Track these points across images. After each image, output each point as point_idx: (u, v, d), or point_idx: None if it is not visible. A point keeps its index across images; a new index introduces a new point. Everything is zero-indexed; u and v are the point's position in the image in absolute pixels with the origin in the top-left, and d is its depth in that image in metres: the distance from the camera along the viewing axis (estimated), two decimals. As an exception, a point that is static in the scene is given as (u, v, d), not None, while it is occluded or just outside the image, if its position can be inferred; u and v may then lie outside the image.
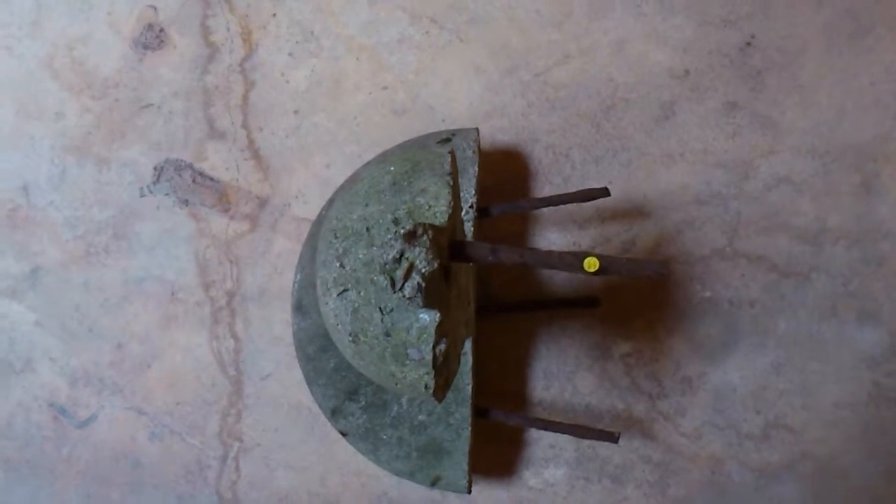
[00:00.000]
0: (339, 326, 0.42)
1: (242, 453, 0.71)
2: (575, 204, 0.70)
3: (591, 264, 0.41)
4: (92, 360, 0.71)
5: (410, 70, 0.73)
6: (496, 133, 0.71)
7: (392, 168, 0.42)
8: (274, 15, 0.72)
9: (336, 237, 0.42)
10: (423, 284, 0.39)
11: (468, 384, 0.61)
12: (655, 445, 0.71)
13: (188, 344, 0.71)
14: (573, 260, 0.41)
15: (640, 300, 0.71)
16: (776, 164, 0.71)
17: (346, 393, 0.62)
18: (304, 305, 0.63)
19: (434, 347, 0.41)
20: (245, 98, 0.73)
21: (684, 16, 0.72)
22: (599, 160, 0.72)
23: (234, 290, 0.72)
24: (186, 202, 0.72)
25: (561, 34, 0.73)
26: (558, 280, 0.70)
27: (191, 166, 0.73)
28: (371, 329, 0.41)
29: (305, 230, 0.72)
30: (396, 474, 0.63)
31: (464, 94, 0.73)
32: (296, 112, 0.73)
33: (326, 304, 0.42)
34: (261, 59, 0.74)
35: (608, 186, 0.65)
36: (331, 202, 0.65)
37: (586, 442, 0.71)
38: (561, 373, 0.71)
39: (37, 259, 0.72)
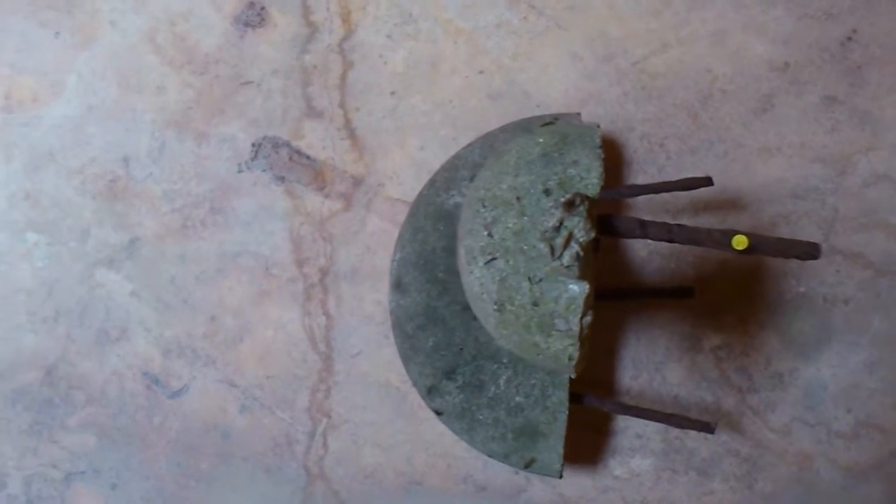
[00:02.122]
0: (484, 295, 0.42)
1: (330, 429, 0.71)
2: (669, 194, 0.70)
3: (740, 242, 0.40)
4: (185, 332, 0.73)
5: (507, 55, 0.73)
6: (591, 120, 0.71)
7: (541, 140, 0.42)
8: (374, -4, 0.73)
9: (484, 206, 0.42)
10: (582, 253, 0.39)
11: (567, 368, 0.61)
12: (744, 440, 0.70)
13: (280, 319, 0.72)
14: (721, 237, 0.41)
15: (733, 293, 0.71)
16: (875, 161, 0.70)
17: (443, 372, 0.62)
18: (403, 283, 0.64)
19: (581, 319, 0.41)
20: (343, 78, 0.74)
21: (785, 8, 0.71)
22: (695, 151, 0.71)
23: (327, 268, 0.72)
24: (283, 179, 0.73)
25: (659, 23, 0.73)
26: (649, 269, 0.70)
27: (288, 144, 0.74)
28: (518, 298, 0.42)
29: (399, 211, 0.72)
30: (490, 455, 0.63)
31: (560, 81, 0.73)
32: (392, 93, 0.74)
33: (471, 272, 0.43)
34: (359, 39, 0.74)
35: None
36: (432, 182, 0.65)
37: (674, 433, 0.70)
38: (650, 363, 0.71)
39: (135, 230, 0.74)
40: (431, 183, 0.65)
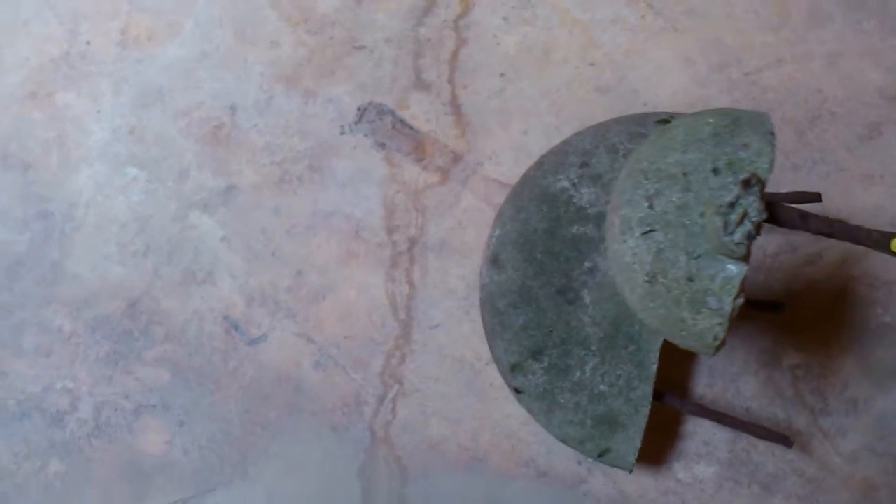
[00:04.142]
0: (636, 265, 0.43)
1: (401, 396, 0.72)
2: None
3: (900, 245, 0.41)
4: (270, 283, 0.74)
5: (620, 50, 0.74)
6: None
7: (711, 120, 0.43)
8: (496, -23, 0.74)
9: (647, 178, 0.43)
10: (754, 232, 0.40)
11: (654, 363, 0.61)
12: (810, 461, 0.70)
13: (364, 282, 0.73)
14: (880, 238, 0.41)
15: (818, 314, 0.71)
16: (977, 201, 0.70)
17: (530, 351, 0.63)
18: (500, 260, 0.64)
19: (734, 300, 0.41)
20: (455, 54, 0.75)
21: (905, 38, 0.71)
22: (798, 168, 0.71)
23: (417, 238, 0.73)
24: (383, 146, 0.74)
25: (776, 38, 0.73)
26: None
27: (392, 112, 0.75)
28: (673, 272, 0.42)
29: (494, 191, 0.73)
30: (563, 439, 0.63)
31: (670, 83, 0.73)
32: (502, 75, 0.74)
33: (625, 241, 0.43)
34: (475, 18, 0.75)
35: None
36: (539, 164, 0.66)
37: (740, 444, 0.70)
38: (726, 372, 0.71)
39: (232, 178, 0.75)
40: (539, 165, 0.66)
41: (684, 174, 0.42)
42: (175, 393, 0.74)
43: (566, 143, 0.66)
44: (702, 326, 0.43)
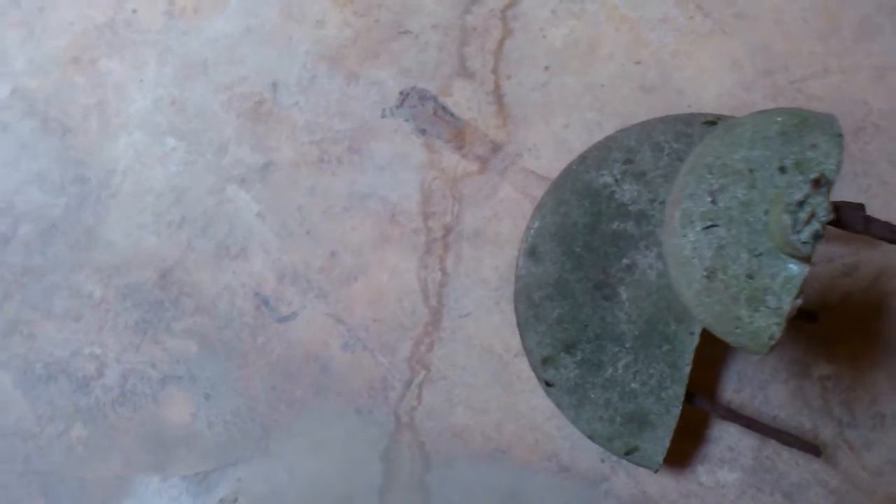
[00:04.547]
0: (695, 260, 0.43)
1: (427, 382, 0.72)
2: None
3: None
4: (303, 261, 0.74)
5: (667, 50, 0.74)
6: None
7: (779, 118, 0.43)
8: (547, -31, 0.74)
9: (711, 173, 0.43)
10: (821, 232, 0.40)
11: (687, 364, 0.61)
12: (835, 472, 0.70)
13: (397, 267, 0.73)
14: None
15: (852, 326, 0.70)
16: None
17: (563, 345, 0.63)
18: (538, 252, 0.64)
19: (794, 300, 0.41)
20: (500, 44, 0.75)
21: (955, 55, 0.71)
22: (839, 179, 0.71)
23: (452, 226, 0.73)
24: (424, 132, 0.74)
25: (824, 47, 0.73)
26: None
27: (435, 98, 0.75)
28: (733, 268, 0.42)
29: (532, 183, 0.73)
30: (590, 435, 0.63)
31: (715, 85, 0.73)
32: (546, 68, 0.74)
33: (685, 235, 0.43)
34: (523, 9, 0.75)
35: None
36: (583, 158, 0.66)
37: (765, 452, 0.70)
38: (755, 379, 0.71)
39: (271, 154, 0.75)
40: (582, 159, 0.65)
41: (750, 171, 0.42)
42: (202, 365, 0.74)
43: (610, 138, 0.66)
44: (758, 325, 0.42)
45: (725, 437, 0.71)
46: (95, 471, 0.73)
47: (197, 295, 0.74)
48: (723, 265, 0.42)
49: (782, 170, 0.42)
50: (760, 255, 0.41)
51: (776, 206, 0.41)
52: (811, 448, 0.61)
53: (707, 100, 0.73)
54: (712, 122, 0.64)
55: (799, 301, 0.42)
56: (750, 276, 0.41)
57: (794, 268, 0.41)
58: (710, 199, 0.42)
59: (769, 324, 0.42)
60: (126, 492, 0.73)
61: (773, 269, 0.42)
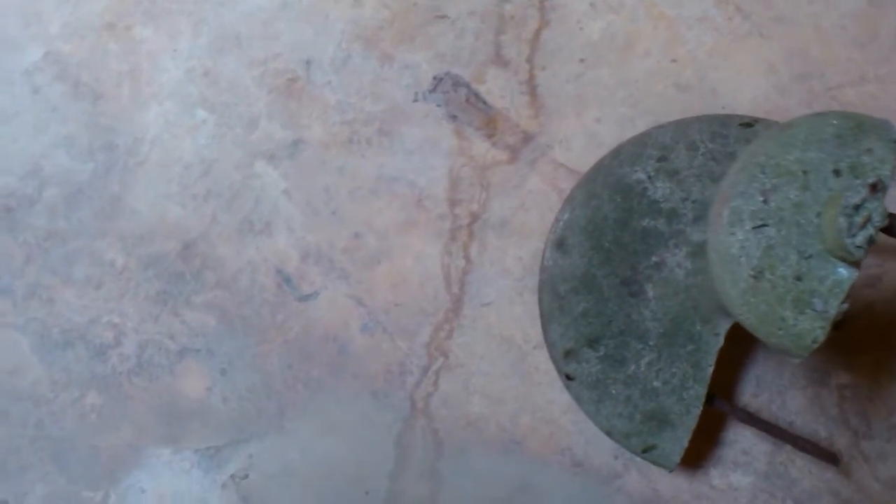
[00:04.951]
0: (742, 259, 0.43)
1: (445, 369, 0.72)
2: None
3: None
4: (327, 241, 0.73)
5: (704, 50, 0.73)
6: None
7: (835, 121, 0.43)
8: (588, -38, 0.73)
9: (763, 173, 0.43)
10: (875, 237, 0.40)
11: (710, 365, 0.61)
12: (847, 482, 0.70)
13: (421, 252, 0.73)
14: None
15: (873, 337, 0.70)
16: None
17: (586, 339, 0.62)
18: (566, 244, 0.64)
19: (840, 304, 0.41)
20: (537, 34, 0.74)
21: None
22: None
23: (478, 214, 0.73)
24: (455, 118, 0.74)
25: (862, 55, 0.72)
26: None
27: (468, 85, 0.74)
28: (781, 269, 0.42)
29: (561, 176, 0.73)
30: (608, 431, 0.63)
31: (750, 87, 0.72)
32: (581, 61, 0.74)
33: (733, 234, 0.43)
34: (562, 1, 0.74)
35: None
36: (616, 153, 0.66)
37: (780, 458, 0.70)
38: (773, 384, 0.70)
39: (301, 132, 0.75)
40: (616, 154, 0.65)
41: (804, 172, 0.42)
42: (220, 340, 0.74)
43: (646, 135, 0.65)
44: (802, 327, 0.42)
45: (740, 441, 0.71)
46: (107, 439, 0.74)
47: (219, 269, 0.74)
48: (771, 265, 0.42)
49: (837, 173, 0.42)
50: (810, 257, 0.41)
51: (831, 209, 0.40)
52: (829, 456, 0.61)
53: (741, 102, 0.72)
54: (749, 124, 0.63)
55: (845, 306, 0.41)
56: (798, 278, 0.41)
57: (844, 272, 0.41)
58: (761, 198, 0.42)
59: (814, 327, 0.42)
60: (137, 462, 0.73)
61: (822, 272, 0.41)
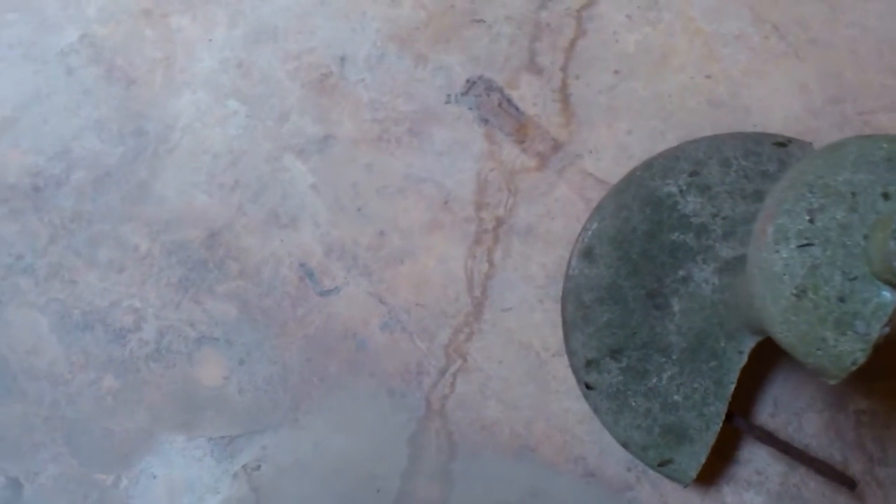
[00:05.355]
0: (786, 277, 0.43)
1: (462, 372, 0.72)
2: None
3: None
4: (352, 238, 0.74)
5: (739, 67, 0.73)
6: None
7: (885, 145, 0.43)
8: (627, -26, 0.73)
9: (811, 192, 0.43)
10: None
11: (732, 383, 0.61)
12: (861, 507, 0.69)
13: (445, 254, 0.73)
14: None
15: (892, 364, 0.70)
16: None
17: (609, 349, 0.62)
18: (593, 254, 0.64)
19: (882, 327, 0.41)
20: (572, 43, 0.74)
21: None
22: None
23: (504, 219, 0.73)
24: (486, 122, 0.74)
25: (896, 82, 0.72)
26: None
27: (501, 90, 0.74)
28: (825, 289, 0.42)
29: (589, 185, 0.73)
30: (625, 443, 0.63)
31: (782, 107, 0.72)
32: (616, 72, 0.74)
33: (777, 251, 0.43)
34: (599, 11, 0.74)
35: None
36: (648, 166, 0.66)
37: (793, 479, 0.70)
38: (791, 406, 0.70)
39: (332, 128, 0.75)
40: (648, 166, 0.65)
41: (853, 194, 0.42)
42: (240, 330, 0.74)
43: (679, 148, 0.65)
44: (842, 349, 0.42)
45: (754, 460, 0.70)
46: (122, 423, 0.74)
47: (242, 259, 0.74)
48: (814, 285, 0.42)
49: (886, 196, 0.42)
50: (854, 279, 0.41)
51: (880, 232, 0.41)
52: (846, 480, 0.61)
53: (773, 121, 0.72)
54: (783, 143, 0.63)
55: (887, 329, 0.41)
56: (841, 299, 0.41)
57: (888, 295, 0.41)
58: (808, 217, 0.42)
59: (854, 349, 0.42)
60: (150, 447, 0.73)
61: (866, 294, 0.42)
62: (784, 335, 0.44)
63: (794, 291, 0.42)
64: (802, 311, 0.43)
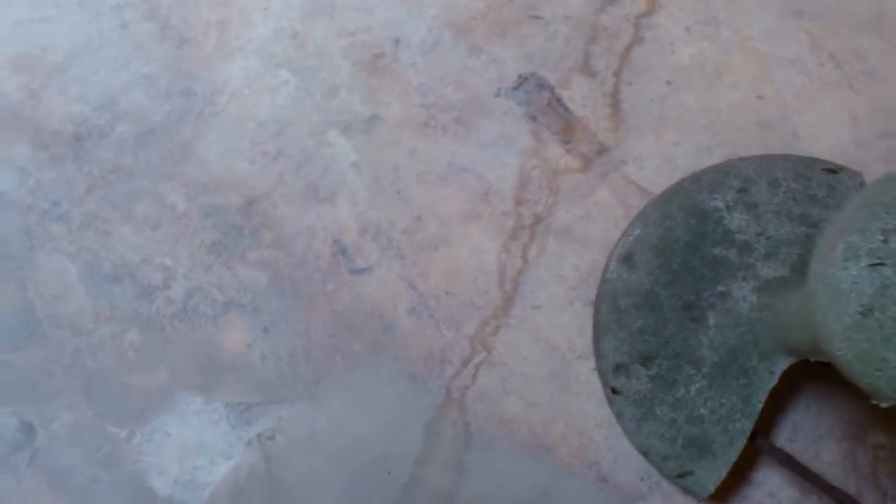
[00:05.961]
0: (853, 294, 0.43)
1: (485, 365, 0.72)
2: None
3: None
4: (388, 219, 0.74)
5: (791, 91, 0.73)
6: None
7: None
8: (690, -14, 0.73)
9: (888, 213, 0.43)
10: None
11: (760, 402, 0.61)
12: (869, 541, 0.69)
13: (479, 245, 0.73)
14: None
15: (916, 401, 0.70)
16: None
17: (640, 356, 0.62)
18: (633, 259, 0.64)
19: None
20: (628, 49, 0.74)
21: None
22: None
23: (542, 217, 0.73)
24: (534, 119, 0.74)
25: (947, 122, 0.72)
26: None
27: (552, 89, 0.74)
28: (892, 310, 0.42)
29: (630, 193, 0.73)
30: (645, 451, 0.63)
31: (831, 136, 0.73)
32: (668, 83, 0.74)
33: (846, 268, 0.43)
34: (658, 21, 0.74)
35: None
36: (696, 178, 0.66)
37: (804, 506, 0.70)
38: (810, 434, 0.70)
39: (379, 109, 0.75)
40: (696, 179, 0.65)
41: (927, 217, 0.42)
42: (268, 299, 0.74)
43: (728, 164, 0.65)
44: (904, 371, 0.43)
45: (768, 483, 0.70)
46: (141, 379, 0.74)
47: (277, 229, 0.74)
48: (882, 305, 0.42)
49: None
50: None
51: None
52: (863, 511, 0.61)
53: (820, 148, 0.72)
54: (833, 170, 0.63)
55: None
56: None
57: None
58: (881, 237, 0.43)
59: None
60: (167, 406, 0.73)
61: None
62: (843, 353, 0.44)
63: (860, 309, 0.42)
64: (866, 329, 0.43)
